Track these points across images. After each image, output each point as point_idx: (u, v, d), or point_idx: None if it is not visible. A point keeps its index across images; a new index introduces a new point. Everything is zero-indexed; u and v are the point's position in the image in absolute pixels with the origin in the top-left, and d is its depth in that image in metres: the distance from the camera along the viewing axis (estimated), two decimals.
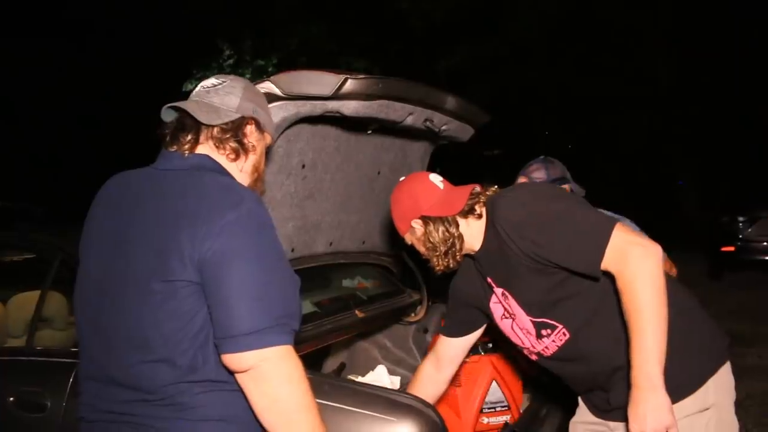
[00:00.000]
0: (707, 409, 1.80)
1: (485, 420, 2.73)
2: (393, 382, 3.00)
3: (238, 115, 1.69)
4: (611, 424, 1.90)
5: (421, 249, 2.05)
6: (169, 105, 1.67)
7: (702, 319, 1.93)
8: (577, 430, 2.09)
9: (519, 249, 1.82)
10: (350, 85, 2.03)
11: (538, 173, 2.83)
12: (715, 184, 15.21)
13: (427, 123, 2.48)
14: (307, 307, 2.69)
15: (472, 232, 1.99)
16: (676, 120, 14.92)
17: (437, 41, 14.37)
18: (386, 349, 3.33)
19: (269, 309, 1.43)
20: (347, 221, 2.88)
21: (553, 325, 1.91)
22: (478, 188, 2.04)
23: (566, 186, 2.80)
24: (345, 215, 2.84)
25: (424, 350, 3.28)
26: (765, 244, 9.07)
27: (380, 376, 2.92)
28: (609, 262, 1.70)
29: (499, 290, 2.00)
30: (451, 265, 2.02)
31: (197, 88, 1.75)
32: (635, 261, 1.65)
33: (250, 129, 1.72)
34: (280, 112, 2.11)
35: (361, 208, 2.90)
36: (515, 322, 2.00)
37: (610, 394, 1.86)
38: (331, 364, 3.46)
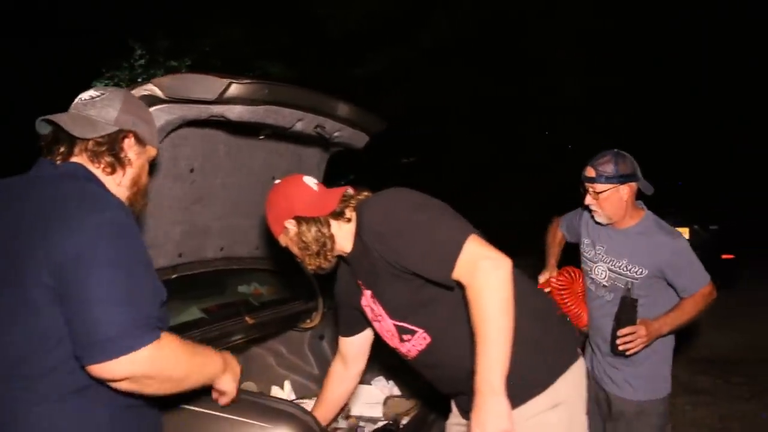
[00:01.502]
0: (558, 405, 1.90)
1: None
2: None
3: (115, 129, 1.66)
4: None
5: (295, 249, 2.09)
6: (42, 117, 1.63)
7: (552, 323, 2.04)
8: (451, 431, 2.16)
9: (380, 254, 1.89)
10: (235, 89, 2.02)
11: (605, 167, 2.74)
12: None
13: (318, 129, 2.49)
14: (194, 314, 2.65)
15: (344, 235, 2.05)
16: (587, 127, 15.44)
17: (353, 47, 14.42)
18: (281, 355, 3.31)
19: (132, 312, 1.40)
20: (239, 226, 2.86)
21: (412, 330, 1.97)
22: (350, 191, 2.10)
23: (634, 183, 2.77)
24: (237, 220, 2.82)
25: (320, 357, 3.28)
26: None
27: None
28: (460, 272, 1.76)
29: (367, 292, 2.06)
30: (323, 266, 2.07)
31: (75, 100, 1.71)
32: (484, 274, 1.72)
33: (128, 143, 1.70)
34: (163, 115, 2.07)
35: (254, 213, 2.87)
36: (382, 324, 2.05)
37: (471, 397, 1.93)
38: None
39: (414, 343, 1.99)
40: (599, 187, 2.75)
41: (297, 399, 2.95)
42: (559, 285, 3.09)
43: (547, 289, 3.12)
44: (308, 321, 3.32)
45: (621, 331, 2.66)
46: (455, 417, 2.15)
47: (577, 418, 1.97)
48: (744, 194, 14.33)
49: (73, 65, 14.28)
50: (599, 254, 2.90)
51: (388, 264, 1.88)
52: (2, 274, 1.42)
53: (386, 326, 2.04)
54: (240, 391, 1.86)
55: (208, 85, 2.00)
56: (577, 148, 15.96)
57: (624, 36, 14.79)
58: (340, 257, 2.12)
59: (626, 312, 2.72)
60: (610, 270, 2.84)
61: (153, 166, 2.21)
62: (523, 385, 1.81)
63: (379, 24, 13.93)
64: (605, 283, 2.85)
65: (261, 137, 2.58)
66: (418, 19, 14.23)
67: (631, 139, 16.80)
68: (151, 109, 2.04)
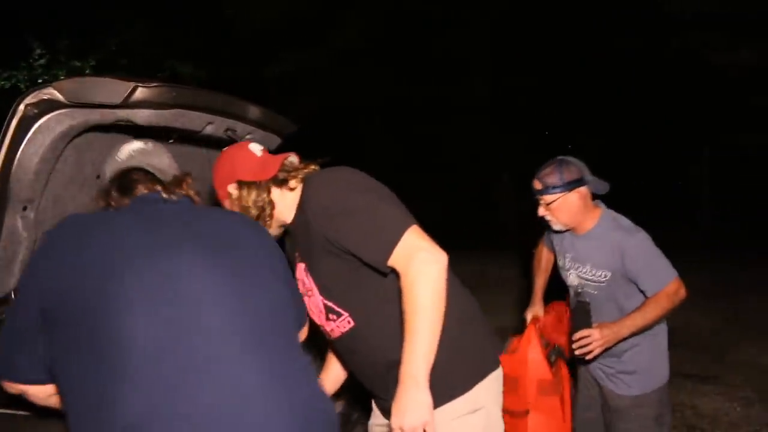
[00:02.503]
0: (478, 410, 1.93)
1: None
2: None
3: None
4: None
5: None
6: None
7: (477, 328, 2.07)
8: None
9: (320, 229, 1.90)
10: (141, 93, 1.97)
11: (550, 177, 2.75)
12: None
13: (229, 132, 2.47)
14: None
15: (286, 204, 2.07)
16: (500, 127, 15.77)
17: (264, 48, 14.26)
18: None
19: None
20: None
21: (339, 312, 1.99)
22: (294, 159, 2.13)
23: (584, 188, 2.75)
24: None
25: None
26: None
27: None
28: (396, 259, 1.78)
29: (302, 265, 2.07)
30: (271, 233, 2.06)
31: None
32: (419, 264, 1.74)
33: None
34: (66, 119, 2.01)
35: None
36: (311, 299, 2.06)
37: (389, 394, 1.95)
38: None
39: (338, 324, 2.01)
40: (548, 198, 2.77)
41: None
42: (550, 327, 3.13)
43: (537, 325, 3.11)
44: None
45: (574, 336, 2.66)
46: (377, 417, 2.18)
47: (495, 423, 2.01)
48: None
49: None
50: (568, 262, 2.93)
51: (327, 241, 1.89)
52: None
53: (315, 302, 2.04)
54: None
55: (113, 89, 1.94)
56: (490, 148, 16.35)
57: (536, 35, 15.20)
58: (284, 227, 2.14)
59: (579, 316, 2.77)
60: (579, 277, 2.88)
61: (56, 172, 2.15)
62: (444, 386, 1.84)
63: (289, 24, 13.83)
64: (579, 290, 2.89)
65: (170, 141, 2.53)
66: (329, 19, 14.20)
67: (548, 137, 17.44)
68: (52, 114, 1.98)
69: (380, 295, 1.93)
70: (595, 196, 2.86)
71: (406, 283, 1.75)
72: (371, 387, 2.10)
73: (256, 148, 2.12)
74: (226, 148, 2.18)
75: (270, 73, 14.47)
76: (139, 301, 1.41)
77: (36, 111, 1.96)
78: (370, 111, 16.69)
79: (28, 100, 1.95)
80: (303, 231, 1.99)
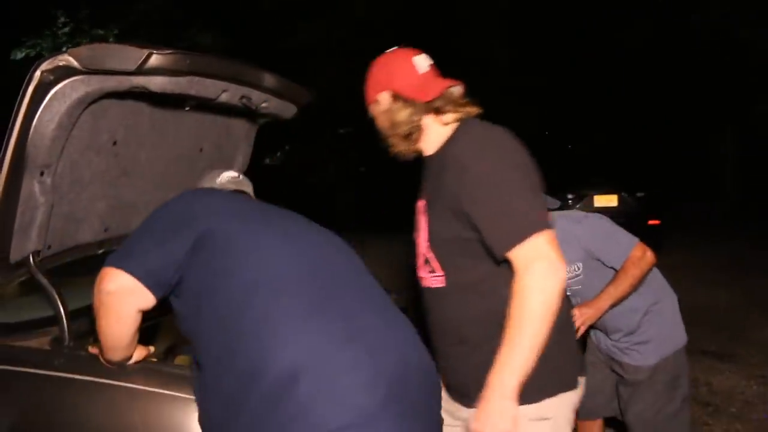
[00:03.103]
0: (546, 419, 1.83)
1: None
2: None
3: None
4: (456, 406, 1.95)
5: (382, 125, 1.99)
6: None
7: (567, 338, 1.93)
8: None
9: (453, 185, 1.78)
10: (155, 60, 1.96)
11: None
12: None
13: (244, 100, 2.46)
14: None
15: (433, 136, 1.94)
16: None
17: (285, 18, 14.18)
18: None
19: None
20: (167, 199, 2.81)
21: (435, 268, 1.91)
22: (458, 89, 1.97)
23: None
24: (165, 194, 2.76)
25: None
26: None
27: None
28: (516, 256, 1.68)
29: (423, 201, 1.98)
30: (404, 152, 1.97)
31: None
32: (538, 273, 1.64)
33: None
34: (81, 86, 2.02)
35: (183, 186, 2.83)
36: (419, 237, 1.98)
37: (448, 366, 1.93)
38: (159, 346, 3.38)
39: (429, 277, 1.93)
40: None
41: None
42: None
43: None
44: None
45: None
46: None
47: None
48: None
49: None
50: None
51: (456, 199, 1.77)
52: None
53: (421, 242, 1.96)
54: (166, 364, 1.87)
55: (127, 56, 1.94)
56: None
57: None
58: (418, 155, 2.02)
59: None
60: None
61: (73, 138, 2.17)
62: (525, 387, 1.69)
63: None
64: (569, 292, 2.89)
65: (187, 109, 2.54)
66: None
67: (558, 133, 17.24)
68: (68, 81, 1.99)
69: (482, 275, 1.83)
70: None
71: (519, 287, 1.65)
72: (434, 350, 1.97)
73: (422, 62, 1.95)
74: (391, 50, 2.02)
75: (291, 44, 14.38)
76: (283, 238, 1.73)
77: (52, 78, 1.97)
78: None
79: (44, 66, 1.96)
80: (437, 172, 1.88)
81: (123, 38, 13.90)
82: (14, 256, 2.11)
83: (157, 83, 2.05)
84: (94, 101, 2.13)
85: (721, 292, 7.71)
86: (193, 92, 2.20)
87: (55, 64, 1.96)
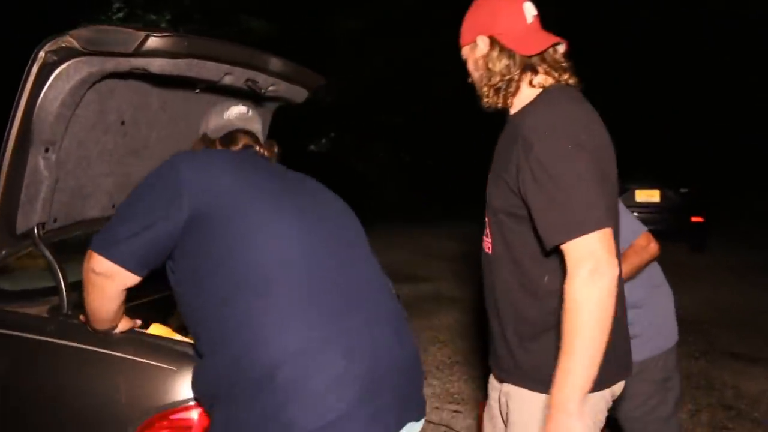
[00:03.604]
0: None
1: None
2: None
3: None
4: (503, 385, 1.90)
5: (475, 72, 1.86)
6: None
7: (616, 330, 1.75)
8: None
9: (517, 159, 1.67)
10: (153, 42, 2.01)
11: None
12: None
13: (250, 83, 2.50)
14: None
15: (522, 94, 1.79)
16: None
17: (334, 4, 14.23)
18: None
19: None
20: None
21: (488, 232, 1.85)
22: (562, 49, 1.81)
23: None
24: None
25: None
26: None
27: None
28: (567, 251, 1.57)
29: (494, 165, 1.87)
30: (498, 105, 1.82)
31: None
32: (589, 275, 1.53)
33: None
34: (84, 66, 2.10)
35: None
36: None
37: (493, 334, 1.89)
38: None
39: (485, 241, 1.86)
40: None
41: None
42: None
43: None
44: None
45: None
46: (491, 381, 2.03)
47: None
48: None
49: (48, 18, 14.05)
50: None
51: (516, 175, 1.66)
52: None
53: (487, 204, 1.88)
54: (150, 335, 1.94)
55: (125, 38, 2.00)
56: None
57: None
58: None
59: None
60: None
61: (79, 117, 2.25)
62: (549, 376, 1.61)
63: None
64: None
65: (197, 91, 2.60)
66: None
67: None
68: (71, 61, 2.07)
69: (527, 254, 1.74)
70: None
71: (570, 289, 1.54)
72: (488, 314, 1.93)
73: (530, 10, 1.78)
74: None
75: (340, 30, 14.42)
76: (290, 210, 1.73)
77: (56, 58, 2.06)
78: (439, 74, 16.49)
79: (48, 47, 2.04)
80: (509, 140, 1.76)
81: (175, 24, 14.19)
82: (20, 227, 2.21)
83: (156, 65, 2.11)
84: (98, 81, 2.21)
85: (758, 293, 7.48)
86: (193, 74, 2.25)
87: (58, 45, 2.03)
